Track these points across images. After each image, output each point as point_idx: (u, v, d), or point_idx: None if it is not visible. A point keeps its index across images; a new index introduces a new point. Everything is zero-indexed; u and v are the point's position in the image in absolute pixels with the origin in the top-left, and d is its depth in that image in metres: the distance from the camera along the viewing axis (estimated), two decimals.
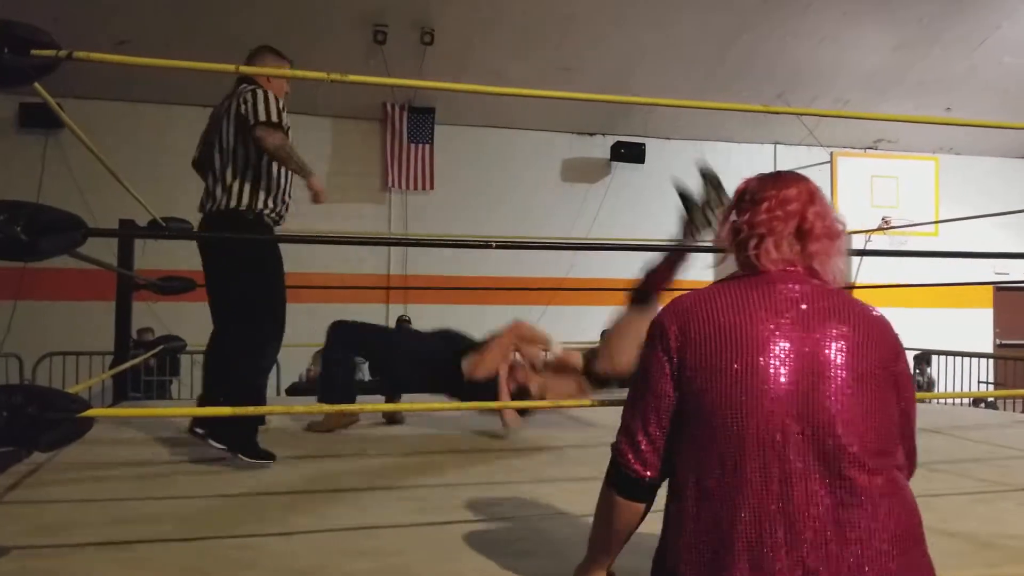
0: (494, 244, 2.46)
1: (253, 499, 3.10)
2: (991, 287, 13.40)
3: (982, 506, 2.99)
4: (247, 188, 3.74)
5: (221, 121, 3.86)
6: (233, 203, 3.73)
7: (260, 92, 3.73)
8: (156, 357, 8.17)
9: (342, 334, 4.85)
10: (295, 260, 10.76)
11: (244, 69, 3.18)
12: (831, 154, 12.08)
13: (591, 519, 1.91)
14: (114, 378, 5.88)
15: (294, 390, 8.30)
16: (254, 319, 3.76)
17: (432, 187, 11.44)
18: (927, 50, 11.04)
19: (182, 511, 2.87)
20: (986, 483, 3.38)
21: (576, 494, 3.16)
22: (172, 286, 5.77)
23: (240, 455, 3.63)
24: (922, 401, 6.64)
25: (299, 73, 2.30)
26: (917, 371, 10.34)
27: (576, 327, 11.39)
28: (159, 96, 10.65)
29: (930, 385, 10.20)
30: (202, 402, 3.86)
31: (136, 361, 5.84)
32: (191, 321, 10.13)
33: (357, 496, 3.17)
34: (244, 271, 3.72)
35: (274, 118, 3.68)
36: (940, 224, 11.70)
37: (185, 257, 9.46)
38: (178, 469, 3.64)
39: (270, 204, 3.81)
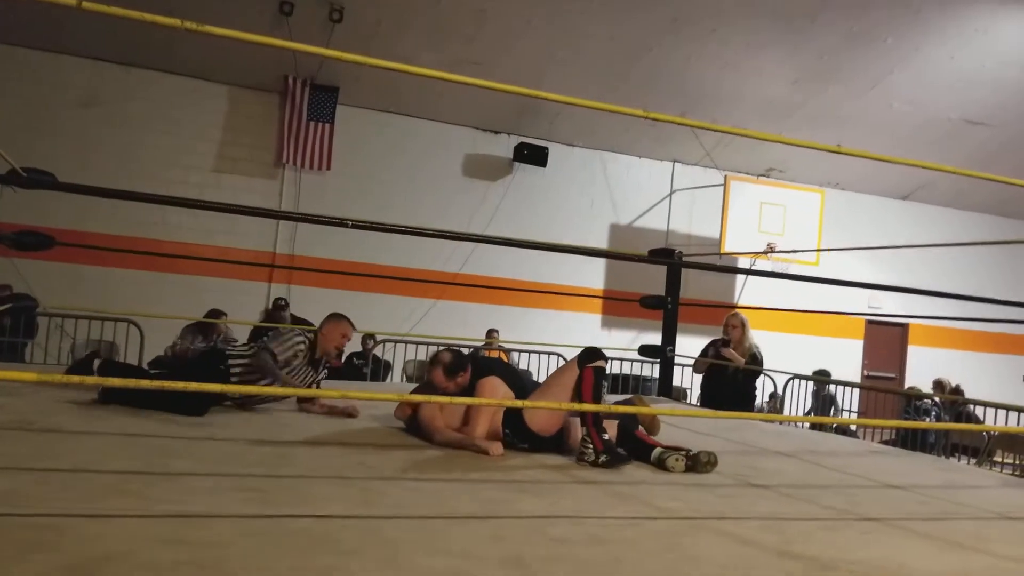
0: (350, 224, 2.34)
1: (77, 476, 2.87)
2: (863, 320, 14.02)
3: (826, 532, 3.02)
4: None
5: None
6: None
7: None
8: (11, 317, 7.70)
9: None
10: (176, 229, 10.44)
11: (161, 19, 2.67)
12: (725, 177, 12.38)
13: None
14: None
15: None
16: None
17: (328, 167, 11.14)
18: (823, 86, 11.43)
19: None
20: (833, 511, 3.43)
21: (423, 495, 3.06)
22: (26, 241, 5.35)
23: None
24: (775, 421, 6.78)
25: (142, 15, 2.10)
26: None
27: (463, 323, 11.32)
28: (48, 44, 10.05)
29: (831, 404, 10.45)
30: None
31: None
32: (60, 281, 9.66)
33: (192, 480, 2.98)
34: None
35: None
36: (821, 254, 12.14)
37: (50, 213, 8.95)
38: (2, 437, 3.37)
39: None
